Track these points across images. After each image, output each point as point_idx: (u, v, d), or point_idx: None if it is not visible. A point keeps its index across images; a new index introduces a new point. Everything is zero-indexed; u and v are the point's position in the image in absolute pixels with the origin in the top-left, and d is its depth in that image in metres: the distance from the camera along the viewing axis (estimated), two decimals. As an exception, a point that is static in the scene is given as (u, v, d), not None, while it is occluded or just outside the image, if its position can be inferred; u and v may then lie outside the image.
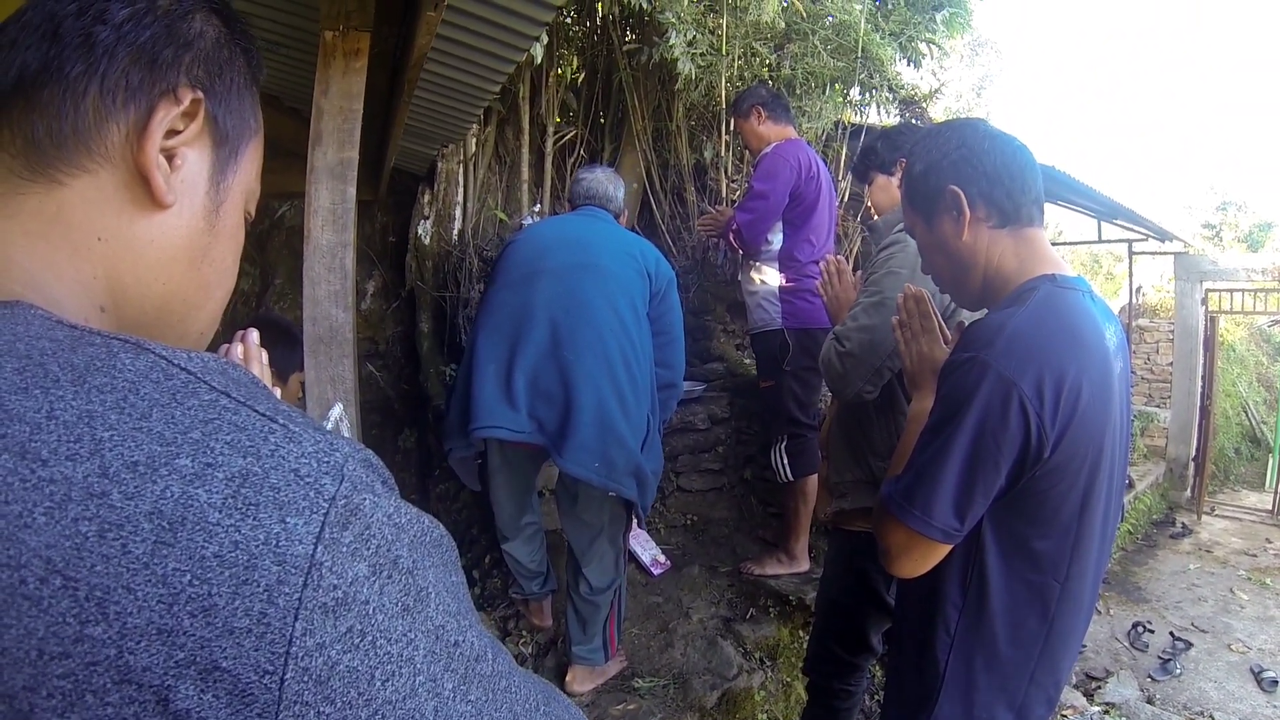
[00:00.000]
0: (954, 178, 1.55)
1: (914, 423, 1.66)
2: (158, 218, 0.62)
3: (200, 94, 0.63)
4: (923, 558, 1.51)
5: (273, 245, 4.68)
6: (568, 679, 2.97)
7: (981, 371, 1.38)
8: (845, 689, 2.54)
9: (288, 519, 0.46)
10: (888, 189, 2.56)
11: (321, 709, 0.45)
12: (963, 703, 1.58)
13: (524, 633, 3.39)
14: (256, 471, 0.47)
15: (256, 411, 0.51)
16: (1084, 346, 1.43)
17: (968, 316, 2.06)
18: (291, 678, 0.44)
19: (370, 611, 0.47)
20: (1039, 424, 1.36)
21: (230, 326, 1.19)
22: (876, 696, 3.50)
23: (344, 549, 0.47)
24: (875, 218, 2.63)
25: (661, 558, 4.07)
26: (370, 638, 0.47)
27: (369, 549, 0.49)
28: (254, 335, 1.22)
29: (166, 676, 0.42)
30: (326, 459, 0.50)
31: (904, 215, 1.75)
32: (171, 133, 0.62)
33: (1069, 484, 1.44)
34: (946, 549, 1.50)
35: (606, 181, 3.14)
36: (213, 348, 0.83)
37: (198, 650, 0.43)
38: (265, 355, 1.24)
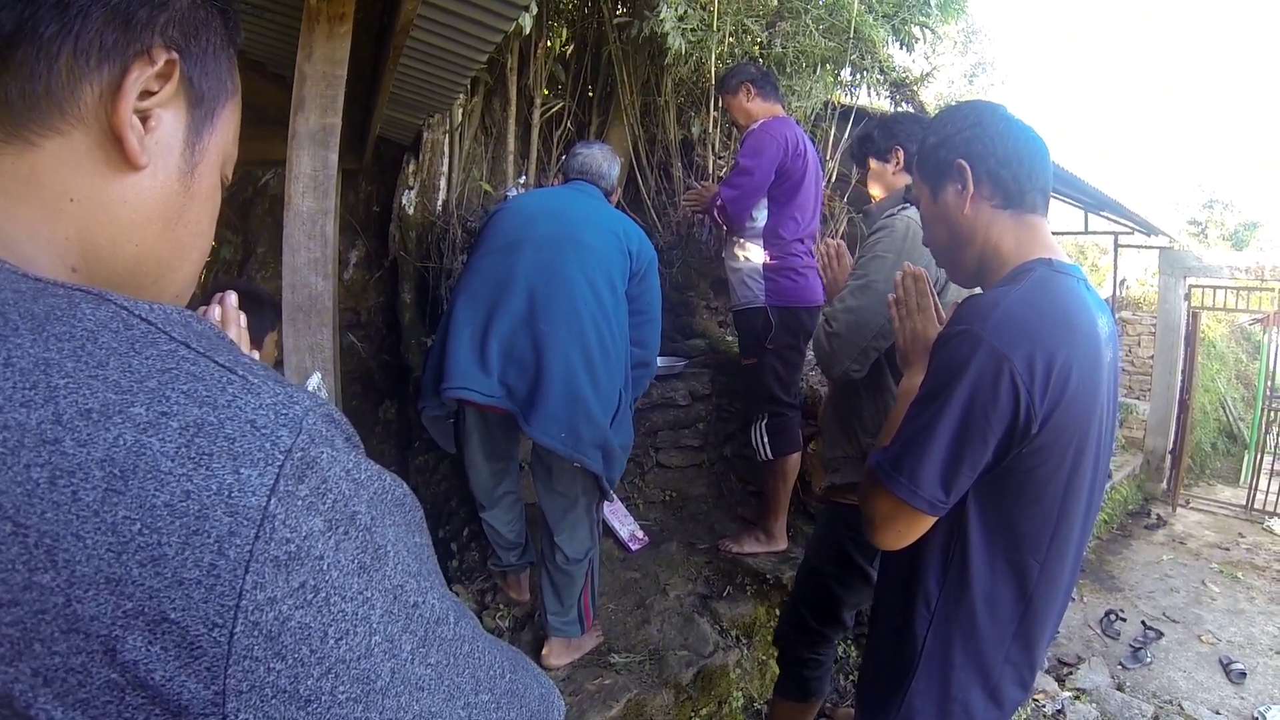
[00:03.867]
0: (964, 152, 1.60)
1: (904, 397, 1.69)
2: (131, 179, 0.61)
3: (175, 55, 0.62)
4: (906, 529, 1.53)
5: (255, 214, 4.64)
6: (544, 653, 2.98)
7: (974, 344, 1.41)
8: (813, 658, 2.60)
9: (241, 470, 0.46)
10: (882, 175, 2.63)
11: (272, 665, 0.44)
12: (939, 680, 1.61)
13: (501, 606, 3.39)
14: (212, 421, 0.47)
15: (215, 362, 0.50)
16: (1076, 330, 1.45)
17: (957, 296, 2.10)
18: (241, 631, 0.43)
19: (324, 567, 0.47)
20: (1029, 400, 1.38)
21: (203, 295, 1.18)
22: (851, 676, 3.53)
23: (299, 502, 0.47)
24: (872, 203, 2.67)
25: (640, 533, 4.08)
26: (324, 594, 0.47)
27: (325, 503, 0.48)
28: (232, 298, 1.21)
29: (114, 627, 0.42)
30: (285, 411, 0.50)
31: (913, 184, 1.79)
32: (146, 94, 0.61)
33: (1054, 465, 1.46)
34: (929, 522, 1.52)
35: (602, 159, 3.16)
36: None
37: (146, 601, 0.42)
38: (244, 318, 1.23)
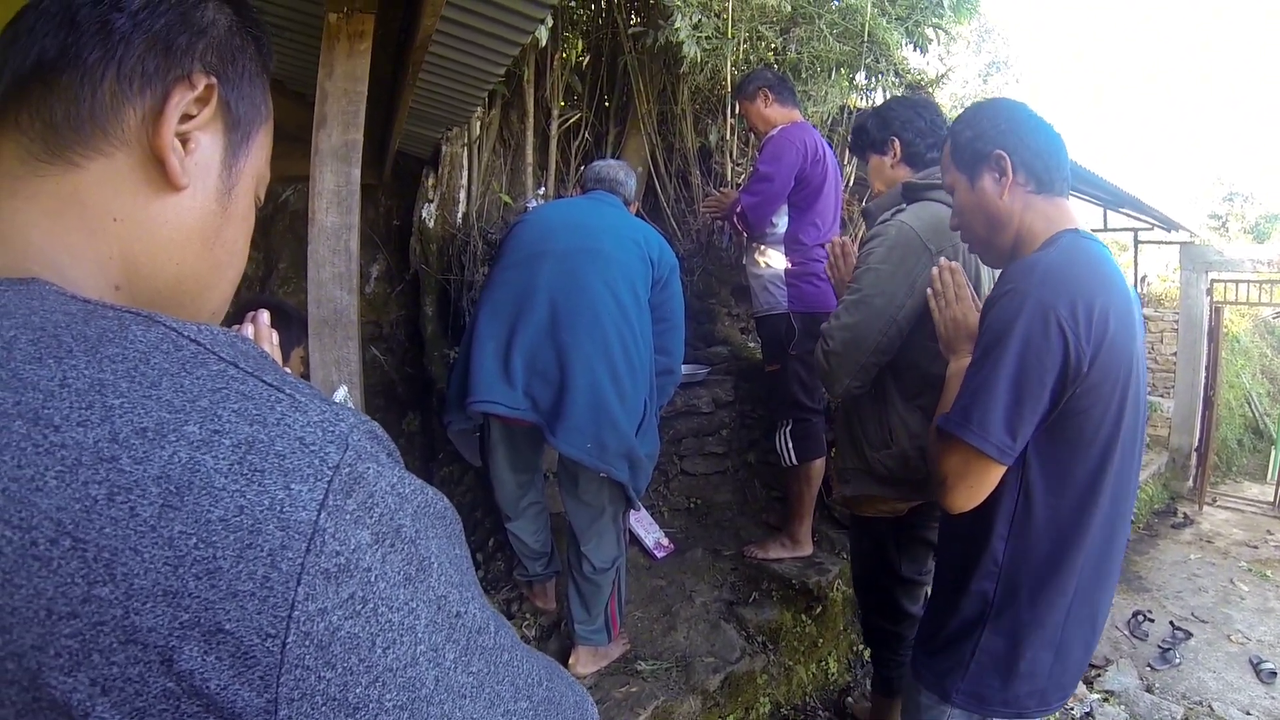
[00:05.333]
0: (1001, 144, 1.75)
1: (954, 378, 1.81)
2: (172, 200, 0.63)
3: (214, 80, 0.65)
4: (978, 481, 1.62)
5: (276, 229, 4.66)
6: (571, 661, 2.98)
7: (1021, 300, 1.55)
8: (893, 658, 2.71)
9: (292, 485, 0.47)
10: (881, 169, 2.61)
11: (322, 674, 0.45)
12: (1009, 638, 1.69)
13: (527, 615, 3.40)
14: (262, 439, 0.48)
15: (264, 381, 0.52)
16: (1109, 283, 1.59)
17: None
18: (293, 642, 0.45)
19: (372, 579, 0.48)
20: (1076, 342, 1.51)
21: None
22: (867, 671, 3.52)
23: (347, 516, 0.48)
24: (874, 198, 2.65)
25: (665, 541, 4.08)
26: (372, 605, 0.48)
27: (372, 517, 0.49)
28: (265, 316, 1.24)
29: (171, 637, 0.43)
30: (332, 428, 0.51)
31: (945, 176, 1.90)
32: (186, 117, 0.63)
33: (1104, 405, 1.57)
34: (999, 473, 1.61)
35: (618, 168, 3.18)
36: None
37: (201, 612, 0.43)
38: (276, 336, 1.26)
